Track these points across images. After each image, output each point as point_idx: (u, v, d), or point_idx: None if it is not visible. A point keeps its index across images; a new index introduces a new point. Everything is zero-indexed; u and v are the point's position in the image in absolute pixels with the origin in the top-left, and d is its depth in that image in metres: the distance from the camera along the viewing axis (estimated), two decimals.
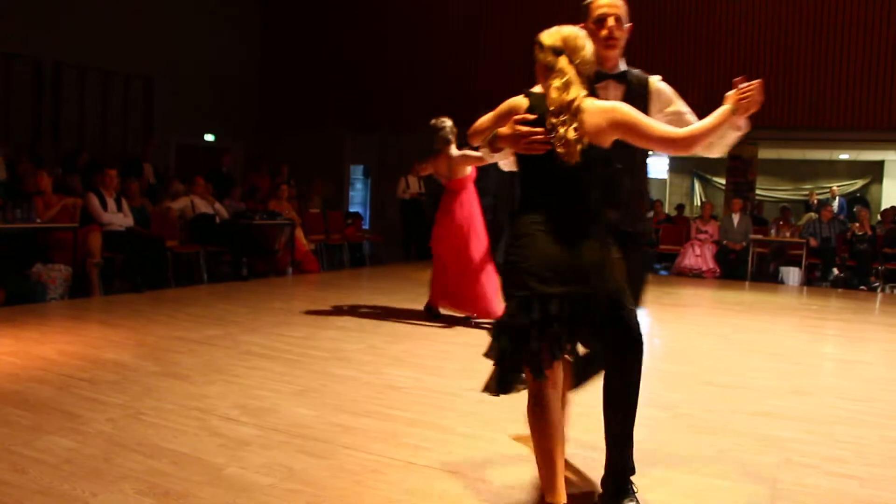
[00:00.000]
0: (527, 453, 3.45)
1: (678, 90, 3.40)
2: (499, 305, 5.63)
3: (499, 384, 2.78)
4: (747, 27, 13.66)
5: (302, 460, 3.26)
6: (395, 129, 16.44)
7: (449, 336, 6.39)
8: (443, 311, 7.27)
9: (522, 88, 2.90)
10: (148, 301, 7.69)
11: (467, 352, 5.71)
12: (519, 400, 4.14)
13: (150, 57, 13.46)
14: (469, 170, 7.07)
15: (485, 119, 3.01)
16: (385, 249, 14.06)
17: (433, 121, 7.40)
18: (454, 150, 7.05)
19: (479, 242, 6.92)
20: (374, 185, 17.55)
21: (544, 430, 2.71)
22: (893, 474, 3.44)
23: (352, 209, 16.67)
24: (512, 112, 2.80)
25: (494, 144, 2.84)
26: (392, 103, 16.67)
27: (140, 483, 2.94)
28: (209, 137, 15.63)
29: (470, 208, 7.06)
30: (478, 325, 6.83)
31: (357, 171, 18.42)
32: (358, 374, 4.87)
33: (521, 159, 2.79)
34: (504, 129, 2.76)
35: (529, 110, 2.73)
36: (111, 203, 8.59)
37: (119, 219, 8.59)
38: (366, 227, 15.68)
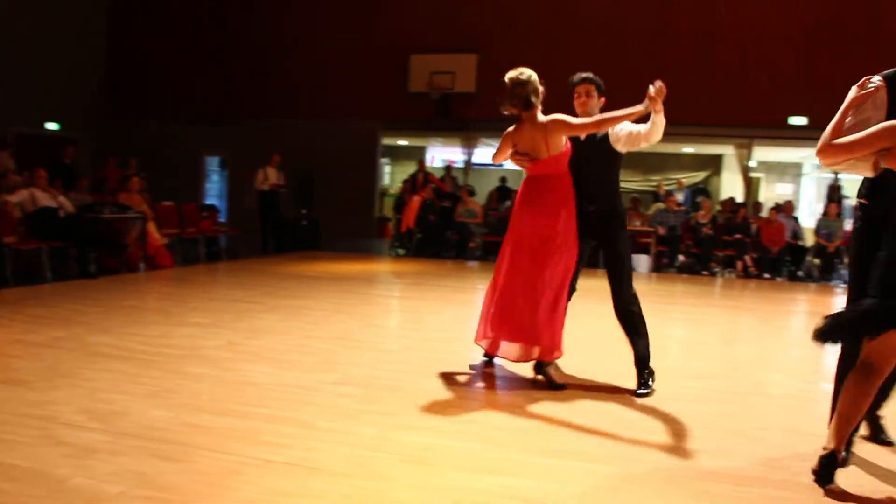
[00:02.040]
0: (388, 446, 3.46)
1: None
2: (561, 344, 4.75)
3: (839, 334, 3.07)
4: (595, 25, 14.21)
5: (154, 465, 3.13)
6: (253, 119, 16.08)
7: (308, 330, 6.31)
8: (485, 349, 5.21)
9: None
10: None
11: (327, 345, 5.67)
12: (380, 391, 4.15)
13: None
14: (565, 143, 4.83)
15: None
16: (242, 243, 13.73)
17: (511, 74, 5.05)
18: (541, 116, 4.92)
19: (565, 254, 4.77)
20: (230, 177, 17.11)
21: (868, 395, 3.02)
22: (732, 446, 3.67)
23: (208, 201, 16.20)
24: None
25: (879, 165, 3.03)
26: (250, 92, 16.30)
27: None
28: (52, 126, 14.77)
29: (566, 199, 4.77)
30: (537, 376, 4.83)
31: (213, 163, 17.91)
32: (215, 371, 4.74)
33: None
34: None
35: None
36: None
37: None
38: (222, 219, 15.27)
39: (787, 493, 3.12)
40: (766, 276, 12.57)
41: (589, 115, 4.73)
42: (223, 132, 16.37)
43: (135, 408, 3.89)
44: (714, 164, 18.86)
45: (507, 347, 4.83)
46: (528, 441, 3.64)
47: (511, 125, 4.91)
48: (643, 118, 4.45)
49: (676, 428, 3.93)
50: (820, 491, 3.12)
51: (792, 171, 19.25)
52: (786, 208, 13.52)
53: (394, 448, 3.45)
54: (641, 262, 12.81)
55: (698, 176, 18.87)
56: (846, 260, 12.99)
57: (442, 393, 4.46)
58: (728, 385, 5.00)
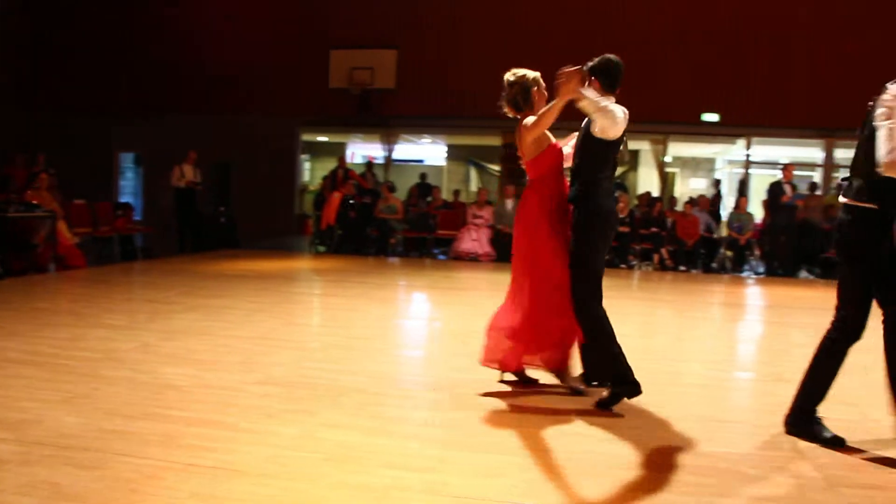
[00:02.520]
0: (311, 445, 3.44)
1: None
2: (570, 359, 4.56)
3: None
4: (515, 21, 14.36)
5: (69, 474, 3.03)
6: (168, 115, 15.71)
7: (228, 330, 6.20)
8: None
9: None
10: None
11: (247, 345, 5.59)
12: (302, 390, 4.12)
13: None
14: (545, 146, 4.47)
15: None
16: (159, 241, 13.41)
17: (506, 74, 4.74)
18: (530, 118, 4.44)
19: (548, 260, 4.43)
20: (146, 174, 16.70)
21: None
22: (651, 435, 3.77)
23: (122, 199, 15.77)
24: None
25: None
26: (165, 87, 15.92)
27: None
28: None
29: (542, 207, 4.46)
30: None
31: (127, 160, 17.44)
32: (132, 374, 4.61)
33: None
34: None
35: None
36: None
37: None
38: (138, 218, 14.89)
39: (706, 479, 3.22)
40: (682, 268, 12.92)
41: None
42: (138, 128, 15.95)
43: (48, 415, 3.76)
44: (632, 158, 19.30)
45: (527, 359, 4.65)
46: (452, 437, 3.66)
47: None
48: None
49: (597, 420, 4.01)
50: (738, 475, 3.24)
51: (706, 167, 19.84)
52: (700, 202, 13.92)
53: (317, 447, 3.43)
54: None
55: (617, 171, 19.28)
56: (756, 252, 13.49)
57: (365, 391, 4.45)
58: (647, 376, 5.08)
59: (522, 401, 4.34)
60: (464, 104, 14.57)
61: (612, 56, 4.39)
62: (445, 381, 4.78)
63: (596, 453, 3.49)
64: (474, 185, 19.57)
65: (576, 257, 4.33)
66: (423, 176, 16.47)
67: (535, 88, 4.57)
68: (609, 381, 4.29)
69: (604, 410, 4.17)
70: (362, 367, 5.04)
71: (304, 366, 5.02)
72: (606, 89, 4.34)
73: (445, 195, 16.42)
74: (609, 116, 4.14)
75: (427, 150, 20.55)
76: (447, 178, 20.21)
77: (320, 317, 7.79)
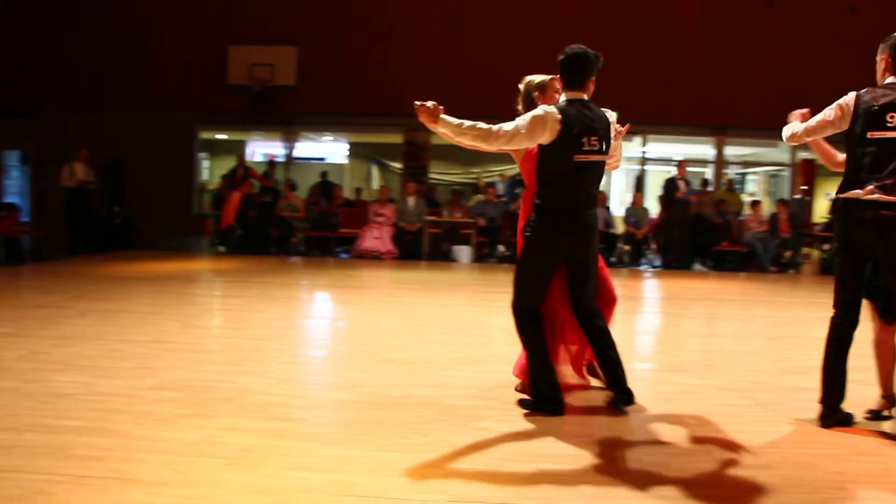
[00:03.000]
0: (211, 450, 3.35)
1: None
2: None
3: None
4: (417, 19, 14.36)
5: None
6: (57, 111, 15.07)
7: (122, 334, 5.97)
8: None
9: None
10: None
11: (142, 349, 5.40)
12: (200, 394, 4.01)
13: None
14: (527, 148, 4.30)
15: None
16: (49, 244, 12.85)
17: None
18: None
19: None
20: (33, 173, 15.97)
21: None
22: (552, 426, 3.82)
23: (7, 199, 15.03)
24: None
25: None
26: (53, 82, 15.25)
27: None
28: None
29: (526, 211, 4.37)
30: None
31: (12, 157, 16.65)
32: (18, 384, 4.39)
33: None
34: None
35: None
36: None
37: None
38: (25, 219, 14.22)
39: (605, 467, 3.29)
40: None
41: None
42: (23, 125, 15.22)
43: None
44: None
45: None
46: (356, 436, 3.62)
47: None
48: None
49: (501, 415, 4.04)
50: (637, 462, 3.31)
51: None
52: (599, 199, 14.22)
53: (218, 451, 3.34)
54: (463, 253, 13.10)
55: (516, 168, 19.51)
56: (653, 246, 13.90)
57: (267, 392, 4.37)
58: None
59: (426, 398, 4.33)
60: (366, 101, 14.49)
61: (569, 48, 4.17)
62: (342, 381, 4.73)
63: (494, 446, 3.51)
64: (376, 183, 19.49)
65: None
66: (324, 174, 16.30)
67: (538, 94, 4.44)
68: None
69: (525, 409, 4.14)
70: (264, 369, 4.94)
71: (202, 369, 4.89)
72: (566, 86, 4.20)
73: (347, 193, 16.30)
74: (469, 135, 4.01)
75: (329, 148, 20.34)
76: (349, 175, 20.05)
77: (220, 318, 7.61)
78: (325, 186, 15.46)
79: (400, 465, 3.24)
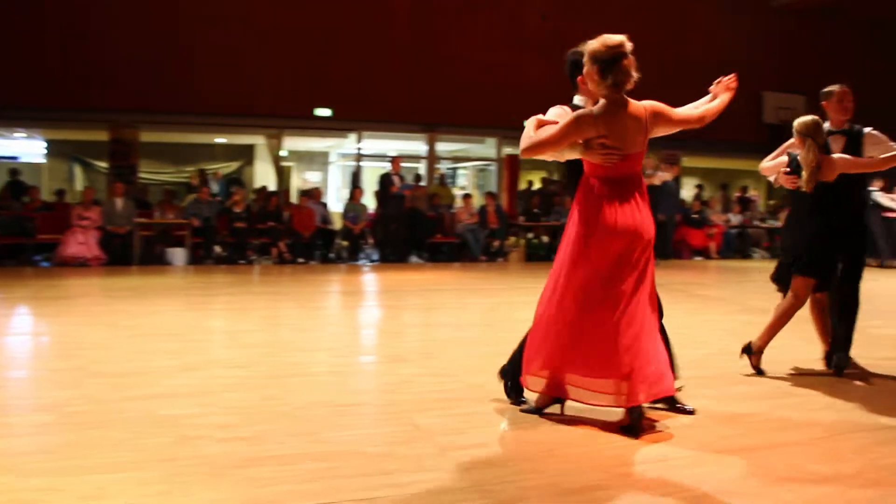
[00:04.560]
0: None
1: None
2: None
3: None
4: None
5: None
6: None
7: None
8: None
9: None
10: None
11: None
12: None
13: None
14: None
15: None
16: None
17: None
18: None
19: (579, 272, 3.81)
20: None
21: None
22: (274, 427, 3.78)
23: None
24: None
25: None
26: None
27: None
28: None
29: (578, 215, 3.87)
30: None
31: None
32: None
33: None
34: None
35: None
36: None
37: None
38: None
39: (330, 463, 3.31)
40: (301, 260, 13.18)
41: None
42: None
43: None
44: (247, 154, 19.18)
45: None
46: (58, 463, 3.33)
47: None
48: None
49: (220, 421, 3.92)
50: (360, 455, 3.37)
51: (320, 160, 20.38)
52: (314, 194, 14.30)
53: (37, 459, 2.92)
54: (177, 255, 12.56)
55: (231, 166, 19.03)
56: (370, 240, 14.22)
57: None
58: (270, 370, 5.13)
59: (140, 411, 4.09)
60: (67, 95, 13.35)
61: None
62: (45, 401, 4.35)
63: (216, 455, 3.41)
64: (80, 184, 18.04)
65: None
66: (14, 173, 14.79)
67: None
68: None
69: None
70: None
71: None
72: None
73: (46, 195, 14.92)
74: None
75: (22, 146, 18.53)
76: (48, 176, 18.37)
77: None
78: (17, 187, 14.05)
79: (115, 487, 3.03)
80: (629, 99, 3.78)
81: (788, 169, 5.12)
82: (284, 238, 13.33)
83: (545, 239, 15.09)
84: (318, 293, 9.76)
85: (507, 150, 17.12)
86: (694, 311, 8.16)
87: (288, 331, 7.16)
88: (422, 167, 16.89)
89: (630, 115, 3.75)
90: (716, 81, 4.07)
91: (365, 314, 8.35)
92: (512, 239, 15.21)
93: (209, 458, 3.35)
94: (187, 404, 4.20)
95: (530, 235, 15.15)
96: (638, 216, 3.78)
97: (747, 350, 5.25)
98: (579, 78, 4.02)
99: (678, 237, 15.88)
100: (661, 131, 3.90)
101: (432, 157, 16.75)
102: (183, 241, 12.79)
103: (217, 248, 13.15)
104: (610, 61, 3.66)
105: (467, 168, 20.74)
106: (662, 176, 13.07)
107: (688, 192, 18.71)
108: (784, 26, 18.25)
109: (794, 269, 5.11)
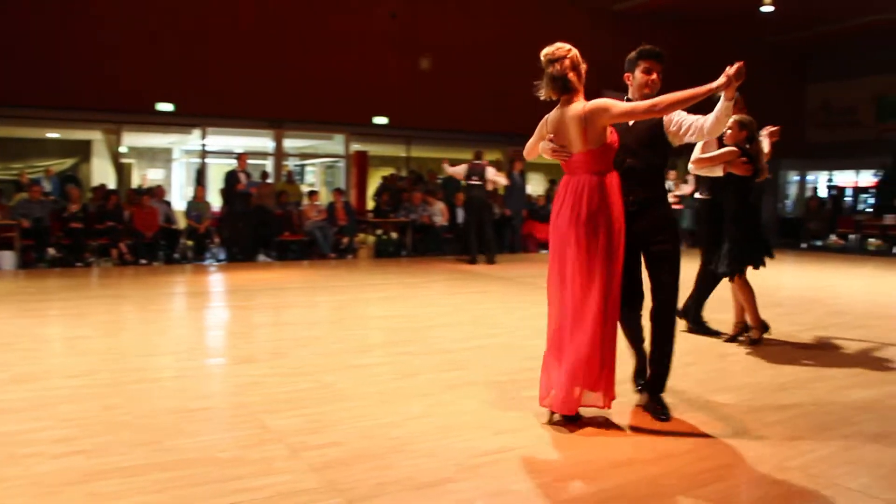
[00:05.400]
0: None
1: None
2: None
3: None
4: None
5: None
6: None
7: None
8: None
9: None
10: None
11: None
12: None
13: None
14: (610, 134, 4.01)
15: None
16: None
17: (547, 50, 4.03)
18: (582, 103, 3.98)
19: (594, 261, 4.07)
20: None
21: None
22: (116, 438, 3.64)
23: None
24: None
25: None
26: None
27: None
28: None
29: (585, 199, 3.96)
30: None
31: None
32: None
33: None
34: None
35: None
36: None
37: None
38: None
39: (178, 472, 3.21)
40: (143, 261, 12.65)
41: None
42: None
43: None
44: (83, 150, 18.20)
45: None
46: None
47: None
48: None
49: (56, 434, 3.73)
50: (210, 461, 3.29)
51: (163, 157, 19.64)
52: (157, 192, 13.77)
53: None
54: (5, 259, 11.77)
55: (66, 163, 18.02)
56: (216, 239, 13.86)
57: None
58: (111, 377, 4.91)
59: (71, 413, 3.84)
60: None
61: None
62: None
63: (52, 472, 3.24)
64: None
65: None
66: None
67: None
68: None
69: None
70: None
71: None
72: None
73: None
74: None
75: None
76: None
77: None
78: None
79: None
80: (575, 100, 3.99)
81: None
82: (125, 238, 12.75)
83: (394, 235, 15.16)
84: (161, 295, 9.39)
85: (355, 147, 17.08)
86: (543, 303, 8.42)
87: (130, 336, 6.87)
88: (269, 164, 16.59)
89: (571, 117, 3.96)
90: (724, 73, 3.83)
91: (212, 315, 8.12)
92: (361, 236, 15.18)
93: (42, 477, 3.18)
94: (18, 419, 3.97)
95: (379, 232, 15.20)
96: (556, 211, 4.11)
97: (744, 329, 6.43)
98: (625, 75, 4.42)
99: (525, 231, 16.37)
100: (606, 123, 3.94)
101: (279, 154, 16.50)
102: (12, 243, 11.98)
103: (51, 251, 12.41)
104: (545, 70, 3.98)
105: (315, 165, 20.57)
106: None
107: (533, 187, 19.32)
108: (624, 29, 19.14)
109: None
